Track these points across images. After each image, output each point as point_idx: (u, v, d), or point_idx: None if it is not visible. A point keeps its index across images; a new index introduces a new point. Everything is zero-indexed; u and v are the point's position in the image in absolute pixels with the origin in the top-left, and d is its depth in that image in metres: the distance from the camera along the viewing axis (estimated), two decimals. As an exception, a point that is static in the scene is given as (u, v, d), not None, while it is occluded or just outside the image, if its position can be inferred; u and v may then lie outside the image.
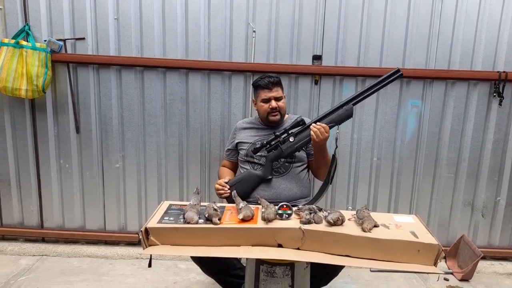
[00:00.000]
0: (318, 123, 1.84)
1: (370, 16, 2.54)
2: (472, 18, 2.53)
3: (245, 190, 1.95)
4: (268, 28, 2.54)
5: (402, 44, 2.56)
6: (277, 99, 2.03)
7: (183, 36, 2.55)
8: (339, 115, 1.86)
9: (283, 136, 1.91)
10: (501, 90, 2.56)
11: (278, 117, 2.05)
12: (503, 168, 2.70)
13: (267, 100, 2.03)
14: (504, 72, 2.53)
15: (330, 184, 1.93)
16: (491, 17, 2.53)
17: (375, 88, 1.88)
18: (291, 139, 1.90)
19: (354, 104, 1.87)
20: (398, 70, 1.87)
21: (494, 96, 2.59)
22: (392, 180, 2.72)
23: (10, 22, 2.50)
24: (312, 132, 1.82)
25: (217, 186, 1.97)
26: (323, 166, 2.00)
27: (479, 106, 2.62)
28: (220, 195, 1.96)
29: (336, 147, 1.88)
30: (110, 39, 2.54)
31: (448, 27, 2.54)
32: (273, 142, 1.92)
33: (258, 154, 2.02)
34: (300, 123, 1.90)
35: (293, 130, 1.91)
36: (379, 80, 1.88)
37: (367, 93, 1.88)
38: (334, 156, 1.89)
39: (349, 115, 1.86)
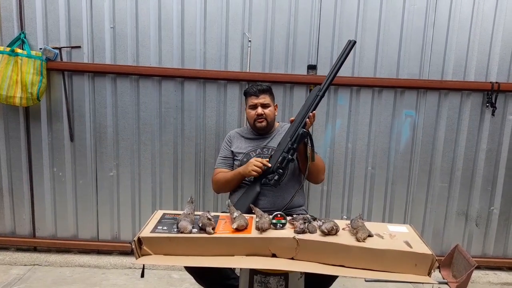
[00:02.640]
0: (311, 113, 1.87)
1: (364, 27, 2.57)
2: (465, 29, 2.57)
3: (248, 203, 1.89)
4: (264, 38, 2.56)
5: (396, 55, 2.59)
6: (264, 106, 2.05)
7: (179, 45, 2.56)
8: (317, 102, 1.92)
9: (290, 154, 1.86)
10: (493, 101, 2.59)
11: (264, 123, 2.06)
12: (497, 178, 2.71)
13: (254, 107, 2.06)
14: (496, 82, 2.56)
15: (313, 160, 1.92)
16: (484, 28, 2.57)
17: (338, 66, 1.97)
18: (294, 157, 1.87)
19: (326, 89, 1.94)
20: (350, 41, 1.96)
21: (487, 106, 2.62)
22: (386, 190, 2.72)
23: (5, 29, 2.50)
24: (309, 121, 1.86)
25: (257, 162, 1.87)
26: (306, 161, 1.95)
27: (472, 116, 2.65)
28: (258, 171, 1.87)
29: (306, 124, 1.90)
30: (106, 47, 2.55)
31: (441, 38, 2.58)
32: (283, 164, 1.86)
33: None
34: (303, 135, 1.85)
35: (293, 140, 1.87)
36: (339, 58, 1.97)
37: (332, 75, 1.96)
38: (308, 132, 1.87)
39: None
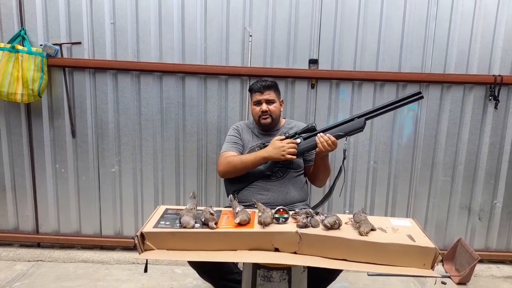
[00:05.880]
0: (327, 134, 1.80)
1: (366, 20, 2.55)
2: (467, 22, 2.55)
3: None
4: (265, 32, 2.55)
5: (398, 48, 2.57)
6: (269, 102, 2.02)
7: (180, 40, 2.55)
8: (349, 126, 1.83)
9: (293, 137, 1.89)
10: (496, 94, 2.58)
11: (269, 120, 2.03)
12: (499, 171, 2.70)
13: (258, 103, 2.03)
14: (499, 75, 2.54)
15: (331, 195, 1.97)
16: (486, 21, 2.54)
17: (391, 106, 1.81)
18: (299, 140, 1.87)
19: (366, 119, 1.82)
20: (420, 92, 1.77)
21: (490, 99, 2.61)
22: (389, 184, 2.72)
23: (5, 26, 2.50)
24: (318, 141, 1.81)
25: (288, 145, 1.82)
26: (321, 173, 2.01)
27: (475, 109, 2.64)
28: (290, 153, 1.82)
29: (344, 158, 1.87)
30: (107, 43, 2.54)
31: (443, 31, 2.56)
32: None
33: None
34: (310, 128, 1.88)
35: (303, 135, 1.89)
36: (397, 99, 1.80)
37: (382, 110, 1.82)
38: (341, 168, 1.89)
39: (359, 128, 1.81)
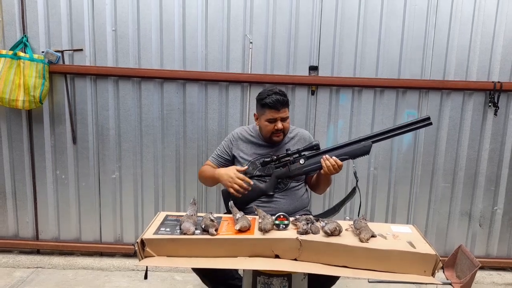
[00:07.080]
0: (333, 157, 1.77)
1: (365, 27, 2.56)
2: (466, 29, 2.56)
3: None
4: (265, 39, 2.57)
5: (398, 55, 2.59)
6: (283, 119, 1.93)
7: (181, 47, 2.57)
8: (355, 149, 1.81)
9: (294, 156, 1.85)
10: (496, 100, 2.58)
11: (281, 137, 1.97)
12: (500, 178, 2.70)
13: (273, 120, 1.91)
14: (499, 82, 2.55)
15: (337, 212, 1.97)
16: (485, 28, 2.56)
17: (398, 131, 1.80)
18: (302, 161, 1.84)
19: (373, 142, 1.80)
20: (428, 118, 1.76)
21: (490, 106, 2.61)
22: (389, 190, 2.72)
23: (8, 33, 2.51)
24: (323, 164, 1.78)
25: (238, 180, 1.81)
26: (322, 185, 2.00)
27: (474, 116, 2.64)
28: (239, 189, 1.82)
29: (357, 180, 1.87)
30: (108, 50, 2.55)
31: (443, 38, 2.57)
32: (283, 160, 1.87)
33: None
34: (314, 147, 1.85)
35: (305, 153, 1.86)
36: (405, 123, 1.79)
37: (389, 134, 1.81)
38: (354, 188, 1.88)
39: (365, 152, 1.80)
